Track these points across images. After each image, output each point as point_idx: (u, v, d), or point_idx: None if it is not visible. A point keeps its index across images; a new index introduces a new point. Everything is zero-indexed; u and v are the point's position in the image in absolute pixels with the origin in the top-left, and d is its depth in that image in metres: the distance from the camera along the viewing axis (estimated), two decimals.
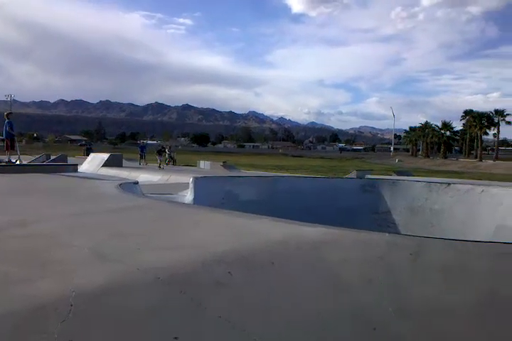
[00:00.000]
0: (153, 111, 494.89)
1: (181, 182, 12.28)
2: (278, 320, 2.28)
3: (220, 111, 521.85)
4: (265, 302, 2.52)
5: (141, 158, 26.97)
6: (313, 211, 9.79)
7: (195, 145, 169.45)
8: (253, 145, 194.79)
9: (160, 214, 5.61)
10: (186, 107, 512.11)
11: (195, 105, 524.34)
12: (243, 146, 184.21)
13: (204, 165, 25.68)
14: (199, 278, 2.88)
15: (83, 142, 76.69)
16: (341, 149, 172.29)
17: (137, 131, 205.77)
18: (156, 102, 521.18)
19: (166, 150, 28.23)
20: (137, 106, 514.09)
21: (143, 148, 27.83)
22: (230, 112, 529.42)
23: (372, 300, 2.59)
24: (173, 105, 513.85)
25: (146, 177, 16.22)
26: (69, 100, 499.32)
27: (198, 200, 9.13)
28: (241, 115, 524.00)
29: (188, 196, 9.52)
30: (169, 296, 2.55)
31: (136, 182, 9.51)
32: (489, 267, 3.38)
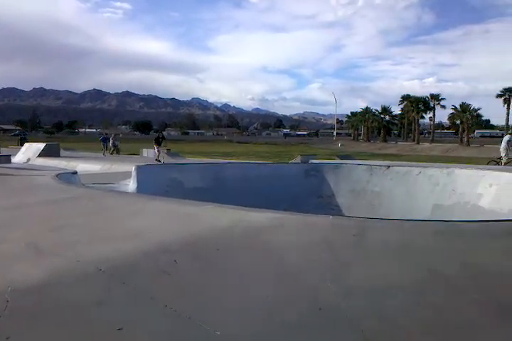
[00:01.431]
0: (92, 99, 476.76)
1: (123, 171, 11.95)
2: (225, 306, 2.27)
3: (163, 98, 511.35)
4: (212, 290, 2.50)
5: (105, 149, 26.77)
6: (260, 196, 9.86)
7: (137, 133, 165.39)
8: (197, 133, 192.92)
9: (100, 205, 5.43)
10: (126, 94, 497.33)
11: (135, 92, 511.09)
12: (187, 133, 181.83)
13: (148, 153, 25.09)
14: (143, 268, 2.82)
15: (17, 132, 72.55)
16: (286, 135, 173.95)
17: (75, 120, 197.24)
18: (94, 89, 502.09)
19: (110, 139, 27.43)
20: (74, 93, 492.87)
21: (105, 139, 27.49)
22: (173, 99, 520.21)
23: (317, 281, 2.63)
24: (112, 92, 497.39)
25: (86, 166, 15.65)
26: None
27: (141, 189, 8.93)
28: (184, 102, 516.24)
29: (131, 185, 9.29)
30: (112, 287, 2.47)
31: (75, 172, 9.15)
32: (428, 245, 3.53)
